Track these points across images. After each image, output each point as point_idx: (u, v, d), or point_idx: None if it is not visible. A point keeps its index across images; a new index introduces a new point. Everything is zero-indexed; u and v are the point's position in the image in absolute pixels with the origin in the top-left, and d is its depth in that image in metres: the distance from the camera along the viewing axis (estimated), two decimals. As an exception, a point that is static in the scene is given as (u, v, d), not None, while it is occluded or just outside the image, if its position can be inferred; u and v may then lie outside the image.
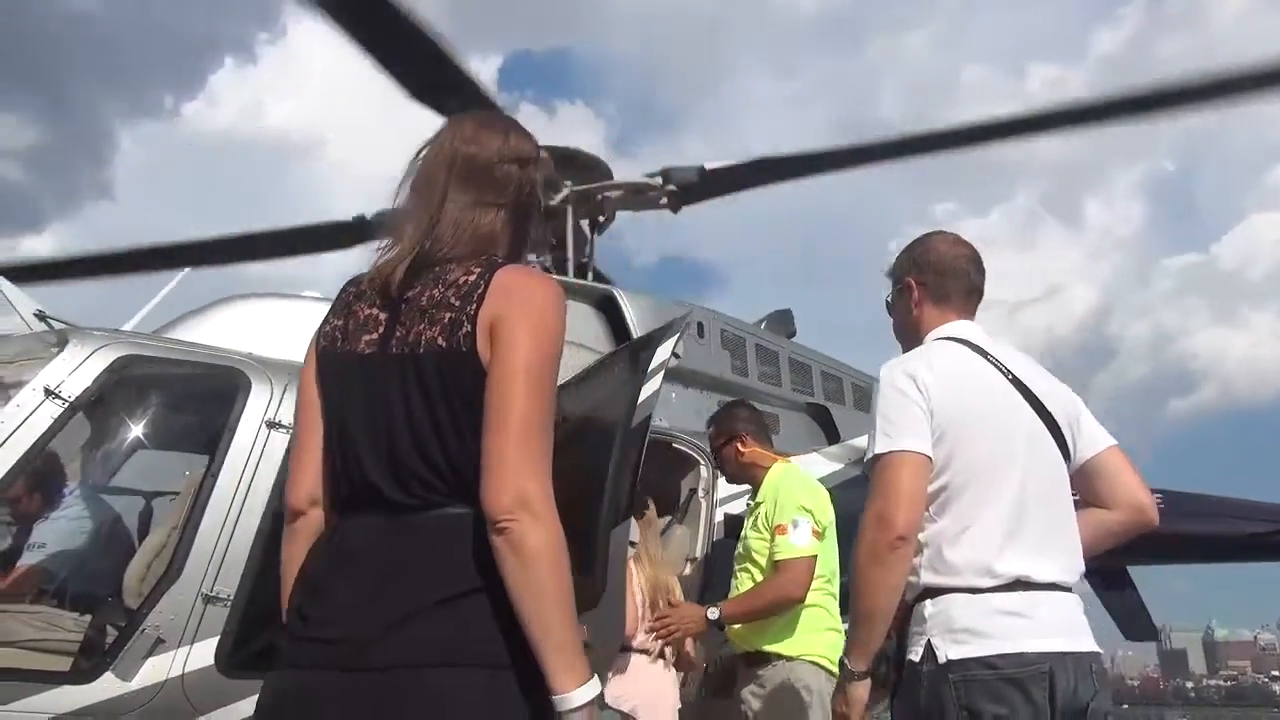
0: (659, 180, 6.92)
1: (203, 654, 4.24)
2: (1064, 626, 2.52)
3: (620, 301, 6.10)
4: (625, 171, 7.13)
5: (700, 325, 6.43)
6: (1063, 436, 2.72)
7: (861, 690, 2.62)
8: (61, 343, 4.41)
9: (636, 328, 5.96)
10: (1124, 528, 2.83)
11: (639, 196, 7.01)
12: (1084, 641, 2.55)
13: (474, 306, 1.87)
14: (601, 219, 7.06)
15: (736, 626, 4.52)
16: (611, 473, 3.97)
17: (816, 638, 4.31)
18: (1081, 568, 2.66)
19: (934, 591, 2.53)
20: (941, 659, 2.45)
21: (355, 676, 1.75)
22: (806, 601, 4.31)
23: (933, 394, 2.59)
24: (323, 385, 2.00)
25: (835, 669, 3.94)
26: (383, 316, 1.95)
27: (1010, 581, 2.49)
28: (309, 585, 1.91)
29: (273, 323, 5.19)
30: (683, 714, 4.81)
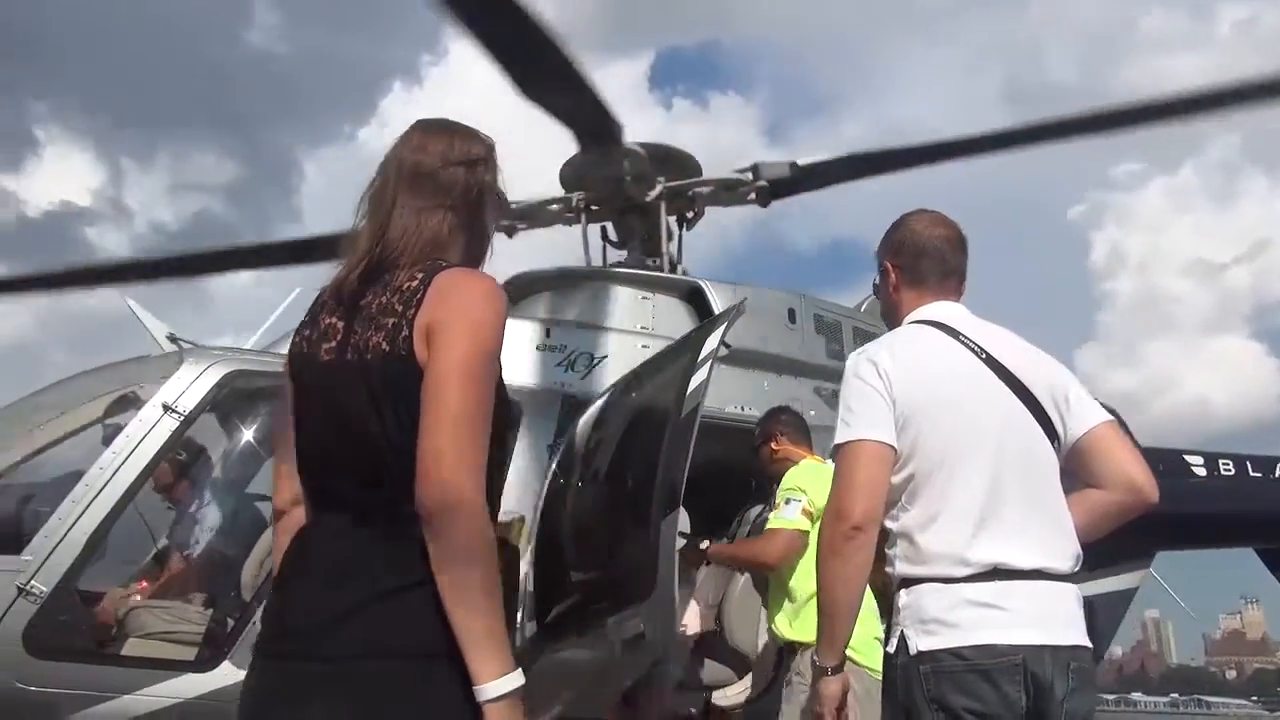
0: (749, 175, 6.90)
1: (315, 644, 4.62)
2: (1042, 618, 2.40)
3: (708, 293, 6.17)
4: (716, 167, 7.14)
5: (791, 311, 6.40)
6: (1047, 416, 2.59)
7: (834, 686, 2.56)
8: (179, 362, 4.89)
9: (718, 309, 6.05)
10: (1120, 508, 2.66)
11: (729, 192, 7.01)
12: (1066, 634, 2.43)
13: (413, 311, 1.91)
14: (690, 215, 7.14)
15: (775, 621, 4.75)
16: (661, 464, 4.08)
17: None
18: (1076, 552, 2.53)
19: (909, 582, 2.47)
20: (913, 650, 2.39)
21: (307, 667, 1.84)
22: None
23: (894, 380, 2.52)
24: (294, 392, 2.11)
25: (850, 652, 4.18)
26: (340, 325, 2.01)
27: (986, 570, 2.40)
28: (277, 582, 2.06)
29: None
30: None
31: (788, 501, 4.51)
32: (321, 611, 1.86)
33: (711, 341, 4.28)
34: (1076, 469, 2.67)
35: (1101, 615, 6.53)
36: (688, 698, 5.41)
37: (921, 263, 2.80)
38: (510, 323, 6.24)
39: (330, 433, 1.98)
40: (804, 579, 4.45)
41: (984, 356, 2.61)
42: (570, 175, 6.84)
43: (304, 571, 1.97)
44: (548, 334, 5.76)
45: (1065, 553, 2.51)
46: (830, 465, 4.76)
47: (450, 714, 1.77)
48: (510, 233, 7.17)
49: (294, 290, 6.66)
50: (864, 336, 6.75)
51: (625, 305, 6.14)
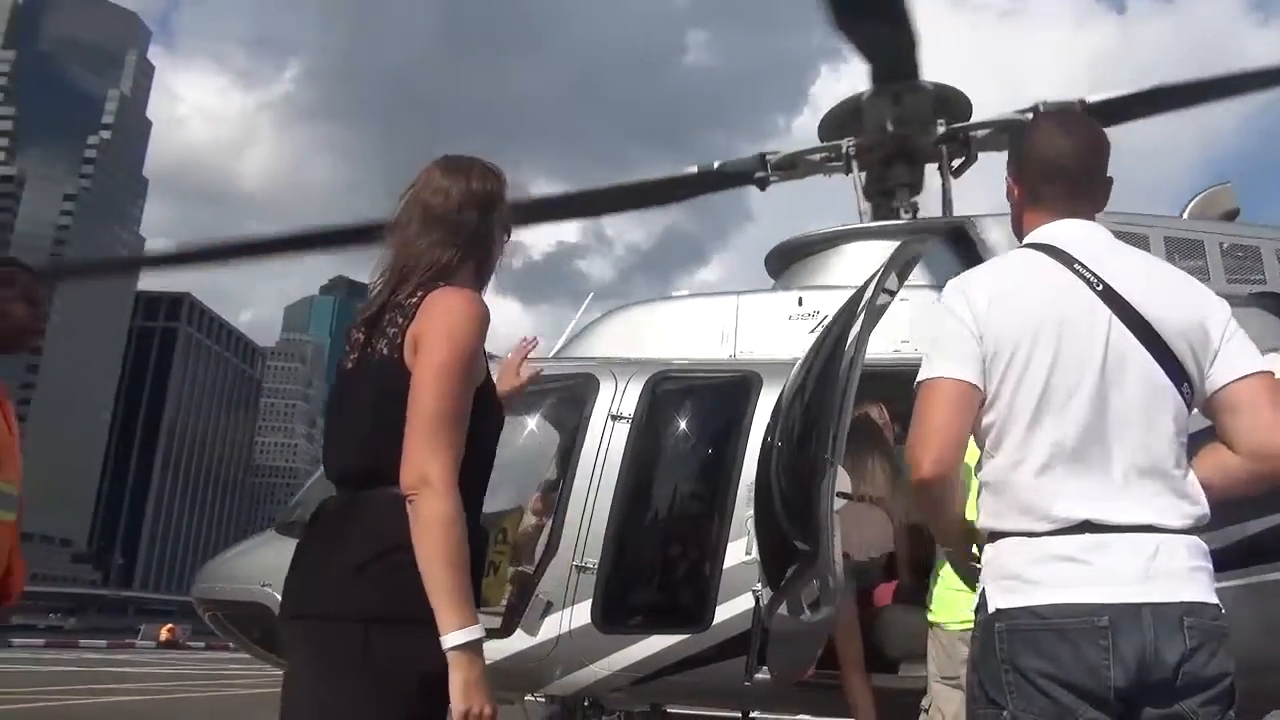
0: (1030, 116, 6.30)
1: (581, 614, 5.05)
2: (1139, 574, 2.10)
3: (973, 231, 5.77)
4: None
5: None
6: (1175, 358, 2.22)
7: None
8: (608, 376, 5.66)
9: (992, 253, 5.65)
10: (1250, 475, 2.24)
11: (1007, 135, 6.43)
12: (1174, 590, 2.10)
13: (407, 323, 2.30)
14: (958, 162, 6.66)
15: None
16: (820, 424, 4.05)
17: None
18: (1193, 511, 2.18)
19: (995, 536, 2.25)
20: (991, 608, 2.18)
21: (296, 623, 2.26)
22: None
23: (983, 313, 2.26)
24: (329, 395, 2.58)
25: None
26: (361, 338, 2.42)
27: (1075, 524, 2.14)
28: (295, 551, 2.42)
29: (639, 326, 6.12)
30: None
31: None
32: (309, 578, 2.28)
33: (869, 291, 4.10)
34: (1213, 423, 2.28)
35: None
36: None
37: (1040, 178, 2.48)
38: (765, 297, 6.46)
39: (342, 425, 2.42)
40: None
41: (1100, 288, 2.26)
42: (841, 121, 6.72)
43: (310, 541, 2.37)
44: (800, 303, 5.77)
45: (1177, 510, 2.17)
46: None
47: (385, 671, 2.11)
48: (763, 185, 7.16)
49: (589, 295, 7.39)
50: (1181, 245, 5.78)
51: (880, 260, 5.94)
